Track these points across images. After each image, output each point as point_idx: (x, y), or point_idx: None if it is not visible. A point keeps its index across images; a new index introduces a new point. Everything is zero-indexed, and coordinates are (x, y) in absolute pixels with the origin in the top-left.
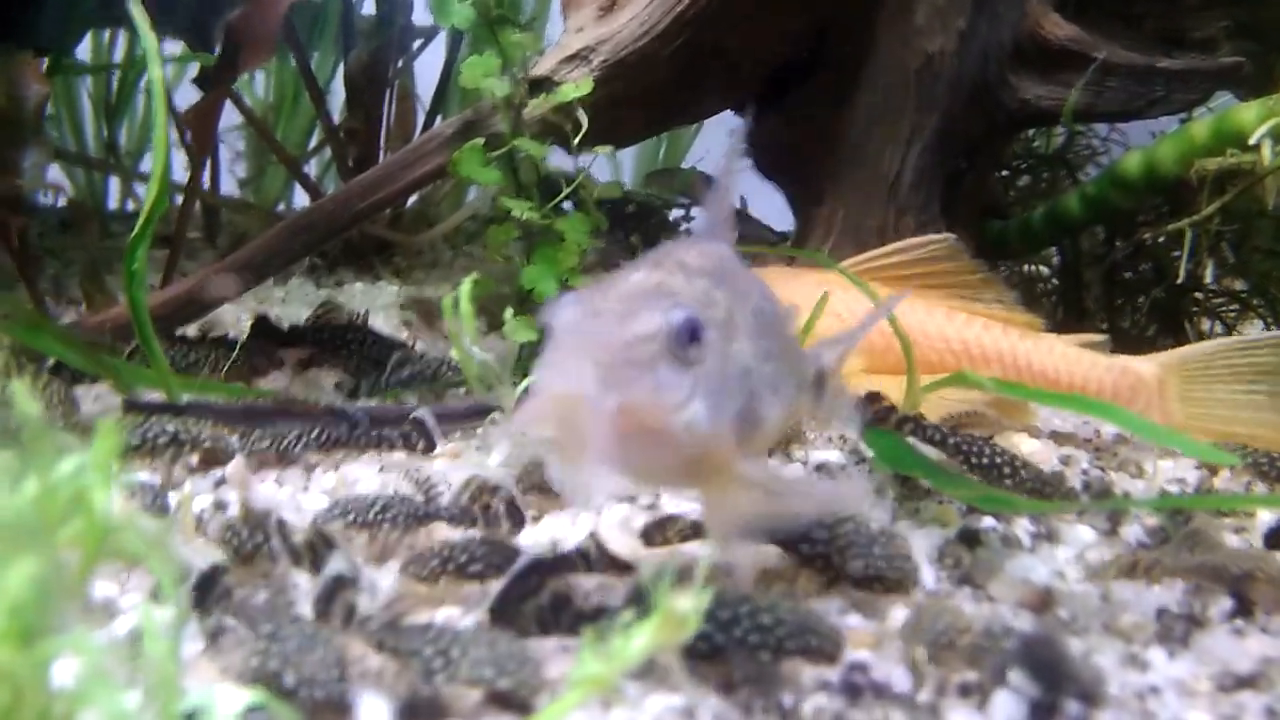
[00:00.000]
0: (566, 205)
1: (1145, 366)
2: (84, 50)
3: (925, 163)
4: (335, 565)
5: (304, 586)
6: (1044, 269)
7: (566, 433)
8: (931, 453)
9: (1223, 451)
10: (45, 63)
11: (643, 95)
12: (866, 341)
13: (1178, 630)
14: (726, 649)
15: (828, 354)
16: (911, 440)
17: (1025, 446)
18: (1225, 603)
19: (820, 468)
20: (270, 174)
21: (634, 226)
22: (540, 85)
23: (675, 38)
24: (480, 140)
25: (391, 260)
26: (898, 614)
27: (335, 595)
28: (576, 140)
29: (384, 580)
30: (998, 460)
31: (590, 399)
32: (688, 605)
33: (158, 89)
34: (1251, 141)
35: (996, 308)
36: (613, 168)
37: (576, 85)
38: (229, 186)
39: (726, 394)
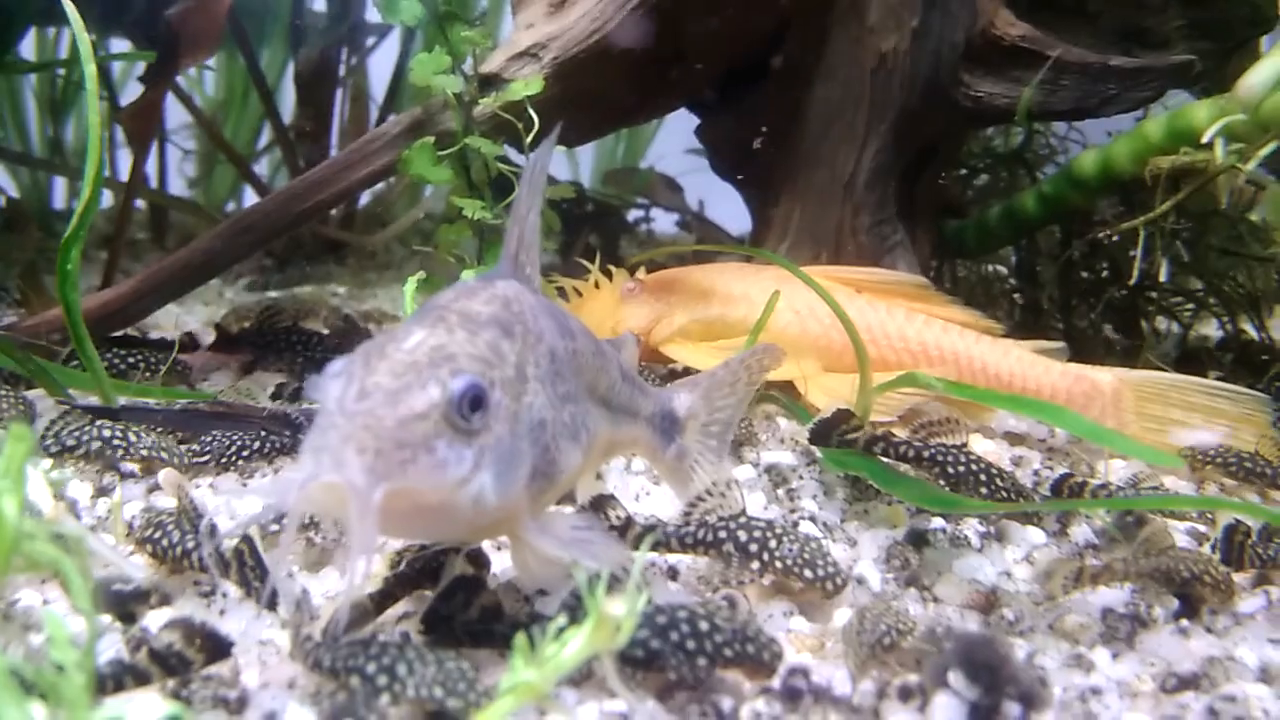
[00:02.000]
0: None
1: (1102, 377)
2: (29, 47)
3: (880, 162)
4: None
5: (233, 595)
6: (1002, 269)
7: (334, 520)
8: (905, 469)
9: (1167, 454)
10: None
11: (595, 93)
12: (825, 340)
13: (1123, 631)
14: (663, 655)
15: (684, 397)
16: (884, 459)
17: (979, 447)
18: (1172, 604)
19: (770, 470)
20: (219, 173)
21: (592, 227)
22: (490, 82)
23: (627, 34)
24: (431, 138)
25: (344, 261)
26: (842, 616)
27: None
28: (529, 139)
29: (320, 588)
30: (973, 469)
31: (355, 488)
32: (621, 611)
33: (91, 87)
34: (1203, 140)
35: (955, 311)
36: (571, 167)
37: (526, 83)
38: (178, 186)
39: (517, 457)
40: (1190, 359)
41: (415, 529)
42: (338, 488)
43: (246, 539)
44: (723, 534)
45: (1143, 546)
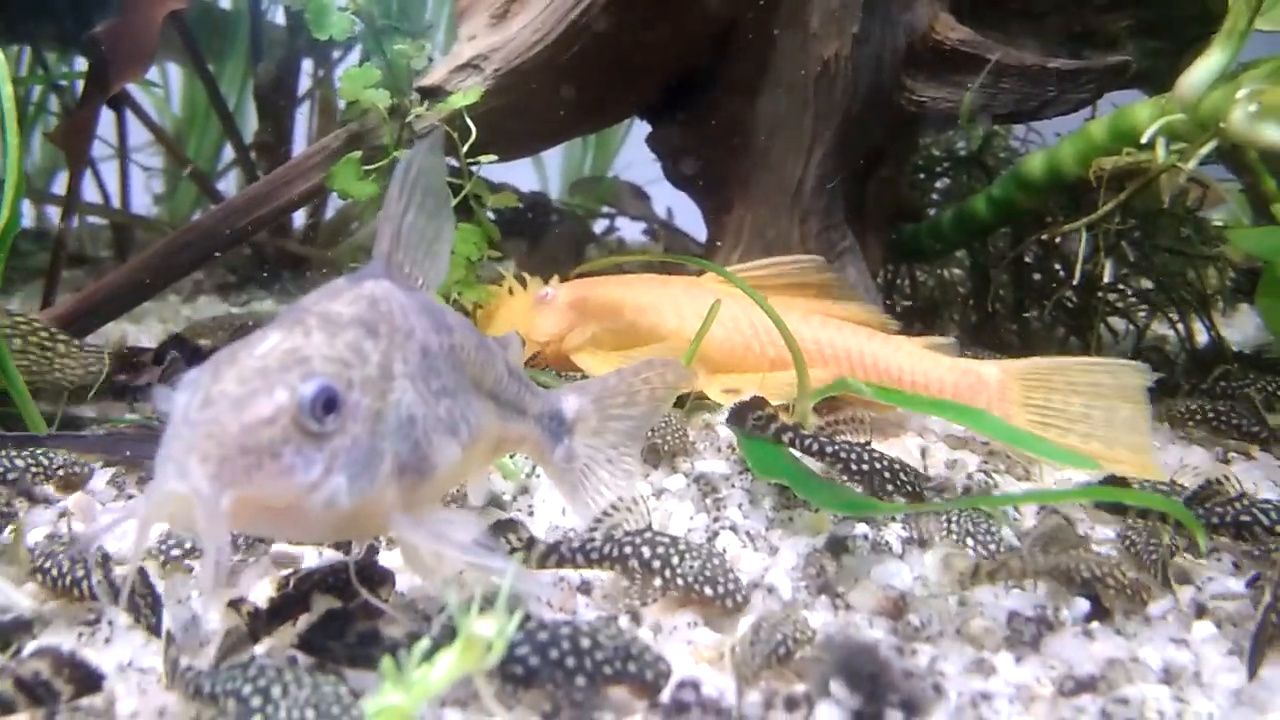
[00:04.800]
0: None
1: (987, 369)
2: None
3: (827, 167)
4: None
5: (120, 624)
6: (958, 272)
7: (186, 528)
8: (811, 462)
9: (1075, 454)
10: None
11: (540, 104)
12: (729, 342)
13: (1028, 634)
14: (542, 673)
15: (572, 399)
16: (792, 450)
17: (910, 444)
18: (1081, 605)
19: (700, 479)
20: (183, 189)
21: (558, 235)
22: (432, 94)
23: (570, 45)
24: (357, 153)
25: (304, 275)
26: (746, 627)
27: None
28: (465, 149)
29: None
30: (877, 466)
31: (200, 495)
32: (490, 631)
33: (8, 106)
34: (1143, 140)
35: (854, 310)
36: (539, 177)
37: (464, 94)
38: (144, 204)
39: (376, 456)
40: (1140, 359)
41: (270, 530)
42: (184, 497)
43: (141, 568)
44: (628, 549)
45: (1039, 544)
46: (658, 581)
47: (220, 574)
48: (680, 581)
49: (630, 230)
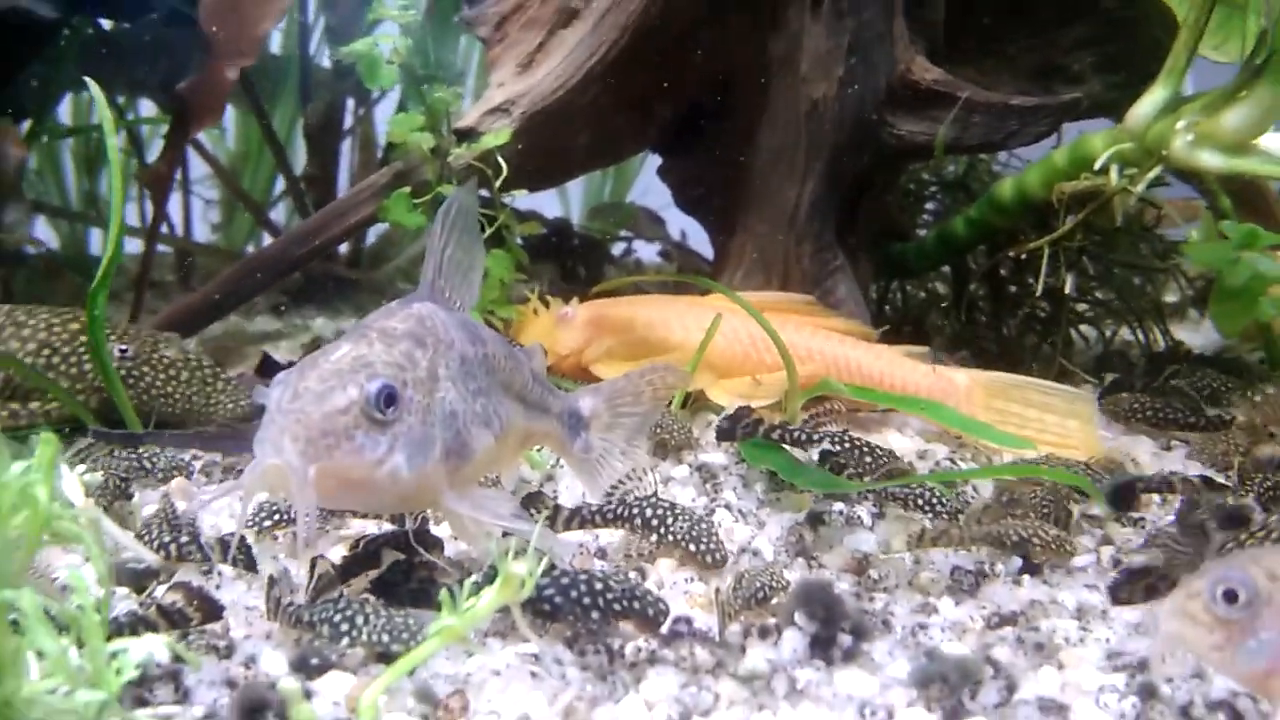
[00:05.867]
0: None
1: (959, 376)
2: (65, 110)
3: (818, 195)
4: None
5: (228, 574)
6: (942, 287)
7: (280, 494)
8: (798, 453)
9: (1017, 438)
10: (26, 127)
11: (562, 142)
12: (729, 351)
13: (966, 584)
14: (564, 608)
15: (587, 399)
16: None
17: (895, 441)
18: (1015, 562)
19: (701, 468)
20: (239, 219)
21: (579, 259)
22: (467, 135)
23: (587, 90)
24: (408, 188)
25: (349, 296)
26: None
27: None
28: (498, 184)
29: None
30: (849, 449)
31: (292, 467)
32: (523, 570)
33: (113, 156)
34: (1096, 166)
35: (838, 321)
36: (563, 204)
37: (496, 135)
38: (203, 232)
39: (428, 441)
40: (1106, 362)
41: (347, 500)
42: (279, 468)
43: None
44: (635, 511)
45: (975, 516)
46: (654, 537)
47: (310, 530)
48: (671, 538)
49: (647, 252)
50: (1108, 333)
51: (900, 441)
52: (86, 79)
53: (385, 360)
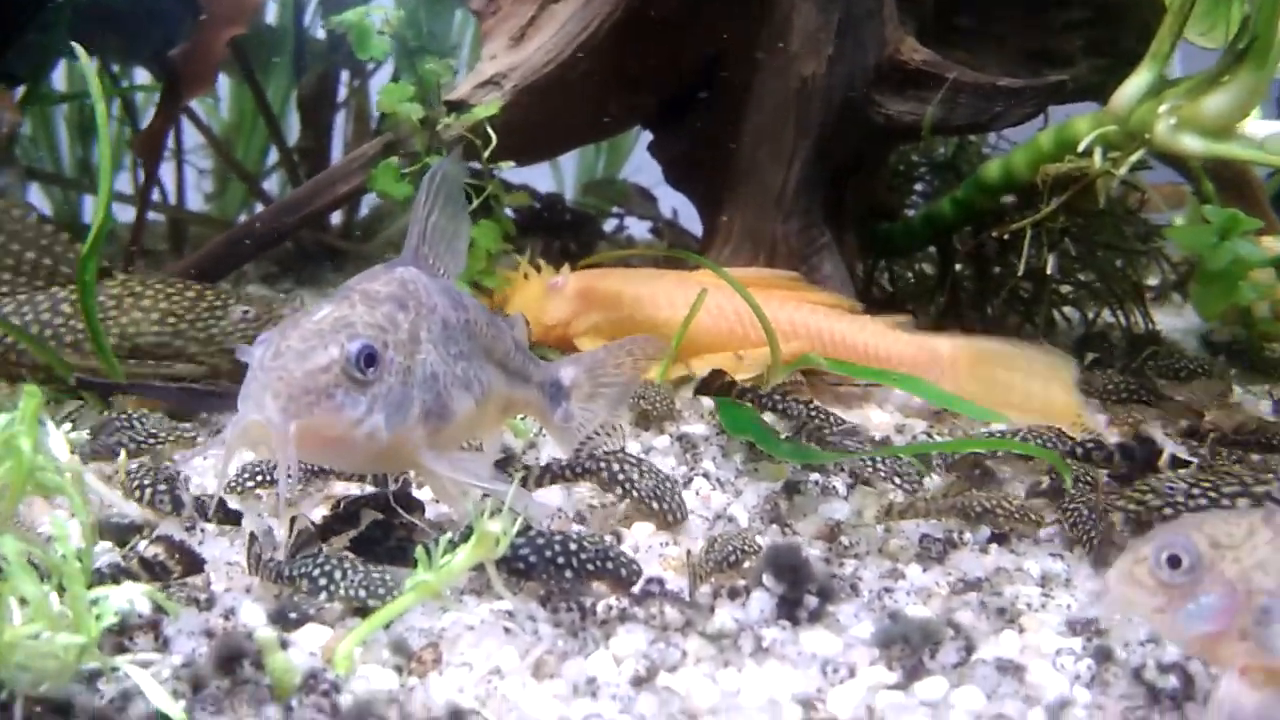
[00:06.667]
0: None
1: (941, 344)
2: (60, 77)
3: (806, 174)
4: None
5: (210, 530)
6: (930, 268)
7: (262, 450)
8: (768, 417)
9: (993, 411)
10: (20, 92)
11: (552, 115)
12: (715, 327)
13: (935, 551)
14: (539, 567)
15: (569, 370)
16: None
17: (875, 416)
18: (984, 531)
19: (682, 438)
20: (232, 189)
21: (571, 233)
22: (458, 107)
23: (578, 65)
24: (395, 159)
25: (340, 266)
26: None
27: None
28: (486, 155)
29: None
30: (811, 416)
31: (273, 424)
32: (497, 528)
33: (102, 123)
34: (1080, 149)
35: (824, 295)
36: (556, 178)
37: (485, 107)
38: (197, 201)
39: (407, 401)
40: (1087, 343)
41: (328, 457)
42: (260, 425)
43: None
44: (602, 464)
45: (943, 489)
46: (619, 490)
47: (290, 486)
48: (635, 494)
49: (638, 228)
50: (1090, 314)
51: (880, 416)
52: (75, 46)
53: (367, 321)
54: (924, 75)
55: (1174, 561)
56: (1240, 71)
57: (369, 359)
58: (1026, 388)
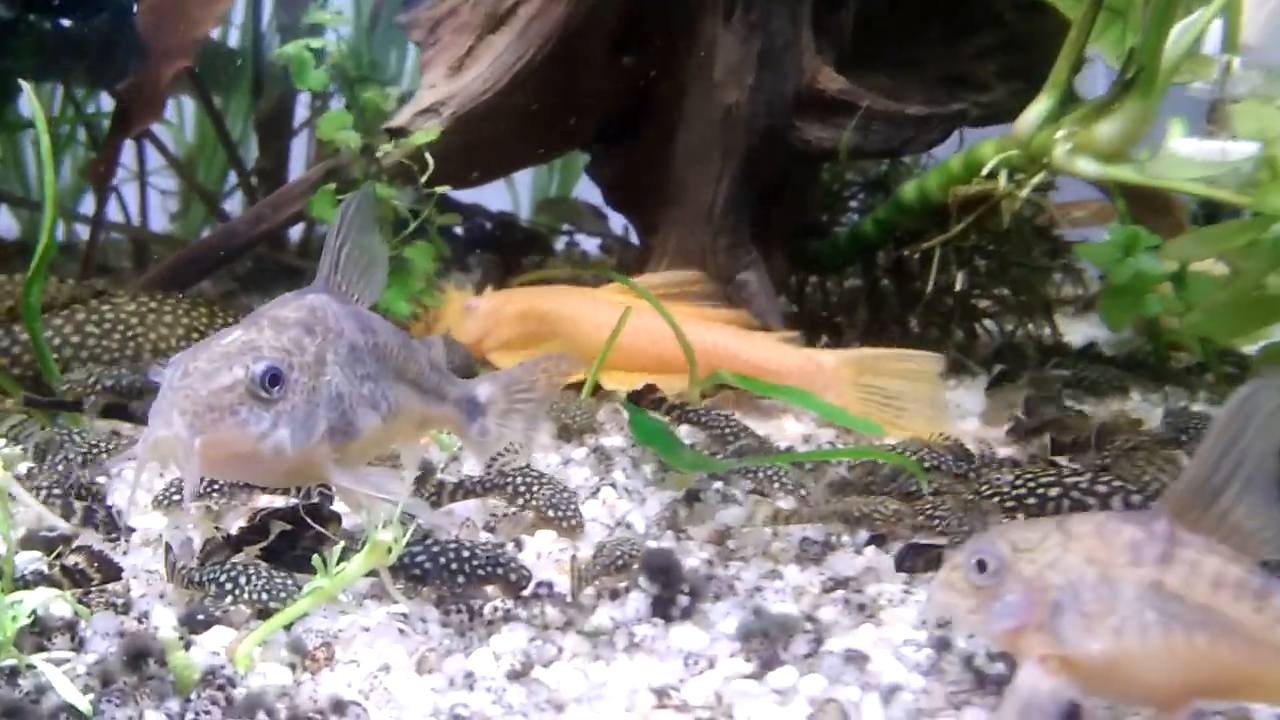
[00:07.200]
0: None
1: (827, 358)
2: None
3: (733, 195)
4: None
5: (135, 541)
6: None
7: (170, 464)
8: (692, 429)
9: (866, 421)
10: None
11: (490, 141)
12: (622, 342)
13: (813, 553)
14: (432, 573)
15: (485, 387)
16: (680, 424)
17: (788, 426)
18: (863, 535)
19: (597, 450)
20: (195, 209)
21: (522, 251)
22: (398, 134)
23: (514, 93)
24: (332, 185)
25: (301, 284)
26: None
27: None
28: (423, 179)
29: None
30: (727, 431)
31: (179, 438)
32: (389, 537)
33: (46, 154)
34: (984, 172)
35: (722, 311)
36: (511, 196)
37: (424, 133)
38: (161, 221)
39: (313, 419)
40: (1000, 356)
41: (234, 471)
42: (169, 439)
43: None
44: (507, 480)
45: (825, 495)
46: (520, 502)
47: (193, 493)
48: (534, 504)
49: (589, 245)
50: (1007, 327)
51: (793, 426)
52: (20, 81)
53: (273, 345)
54: (840, 103)
55: (982, 565)
56: (1128, 100)
57: (274, 379)
58: (900, 388)
